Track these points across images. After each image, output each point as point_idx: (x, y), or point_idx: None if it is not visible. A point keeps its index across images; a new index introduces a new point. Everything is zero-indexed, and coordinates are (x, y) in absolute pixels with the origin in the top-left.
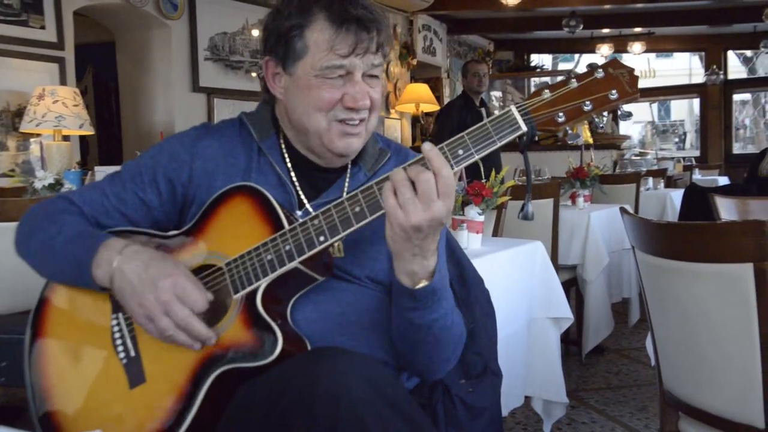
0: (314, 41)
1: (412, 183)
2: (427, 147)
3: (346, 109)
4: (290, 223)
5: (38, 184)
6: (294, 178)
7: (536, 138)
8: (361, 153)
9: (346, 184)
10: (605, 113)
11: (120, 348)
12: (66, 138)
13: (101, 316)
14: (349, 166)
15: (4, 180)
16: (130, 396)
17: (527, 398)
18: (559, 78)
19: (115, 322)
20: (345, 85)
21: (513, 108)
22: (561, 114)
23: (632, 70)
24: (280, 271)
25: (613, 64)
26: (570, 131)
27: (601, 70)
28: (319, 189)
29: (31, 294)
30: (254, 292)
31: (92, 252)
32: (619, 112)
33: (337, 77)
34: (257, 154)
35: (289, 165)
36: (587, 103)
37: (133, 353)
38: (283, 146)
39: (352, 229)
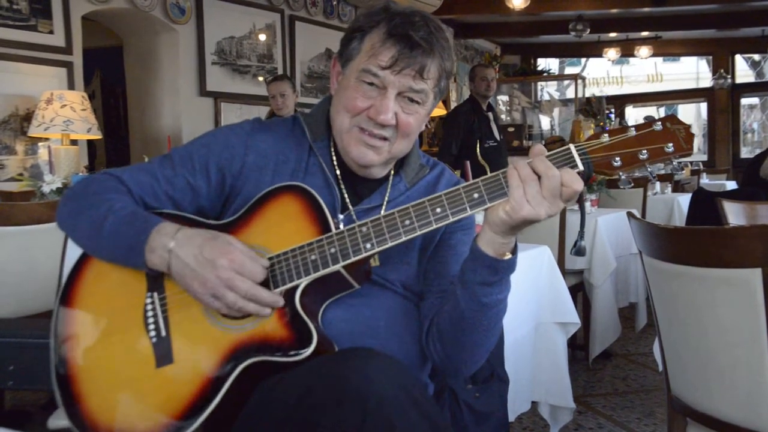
0: (365, 47)
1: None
2: (539, 149)
3: (369, 119)
4: (336, 228)
5: (46, 188)
6: (341, 182)
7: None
8: (403, 164)
9: (387, 192)
10: (660, 165)
11: (151, 327)
12: (74, 142)
13: (136, 293)
14: (392, 175)
15: (12, 184)
16: (155, 375)
17: (534, 403)
18: (567, 82)
19: (149, 300)
20: (377, 97)
21: (572, 147)
22: (618, 159)
23: (689, 127)
24: (322, 272)
25: (671, 119)
26: (623, 177)
27: (659, 123)
28: (361, 195)
29: (39, 298)
30: (293, 290)
31: (144, 236)
32: (672, 165)
33: (372, 87)
34: (308, 154)
35: (337, 168)
36: (644, 152)
37: (163, 333)
38: (332, 149)
39: (399, 241)
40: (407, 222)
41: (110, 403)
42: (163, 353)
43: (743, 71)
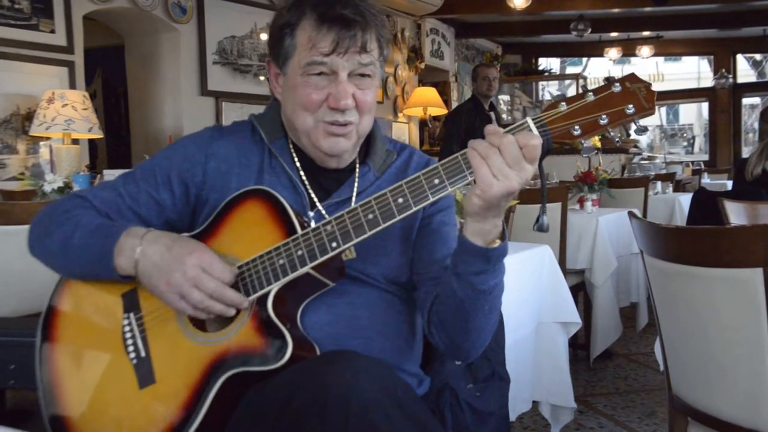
0: (300, 40)
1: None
2: (493, 128)
3: (330, 109)
4: (303, 228)
5: (48, 188)
6: (304, 179)
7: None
8: (369, 153)
9: (356, 184)
10: (622, 128)
11: (131, 348)
12: (75, 141)
13: (112, 316)
14: (358, 165)
15: (13, 183)
16: (139, 396)
17: (535, 403)
18: (568, 81)
19: (126, 322)
20: (330, 85)
21: (529, 119)
22: (577, 127)
23: (649, 85)
24: (291, 275)
25: (630, 78)
26: (585, 144)
27: (618, 84)
28: (329, 189)
29: (39, 297)
30: (265, 296)
31: (113, 240)
32: (634, 127)
33: (321, 77)
34: (268, 156)
35: (299, 166)
36: (603, 116)
37: (143, 354)
38: (291, 148)
39: (365, 236)
40: (370, 216)
41: (99, 429)
42: (145, 374)
43: (744, 71)
